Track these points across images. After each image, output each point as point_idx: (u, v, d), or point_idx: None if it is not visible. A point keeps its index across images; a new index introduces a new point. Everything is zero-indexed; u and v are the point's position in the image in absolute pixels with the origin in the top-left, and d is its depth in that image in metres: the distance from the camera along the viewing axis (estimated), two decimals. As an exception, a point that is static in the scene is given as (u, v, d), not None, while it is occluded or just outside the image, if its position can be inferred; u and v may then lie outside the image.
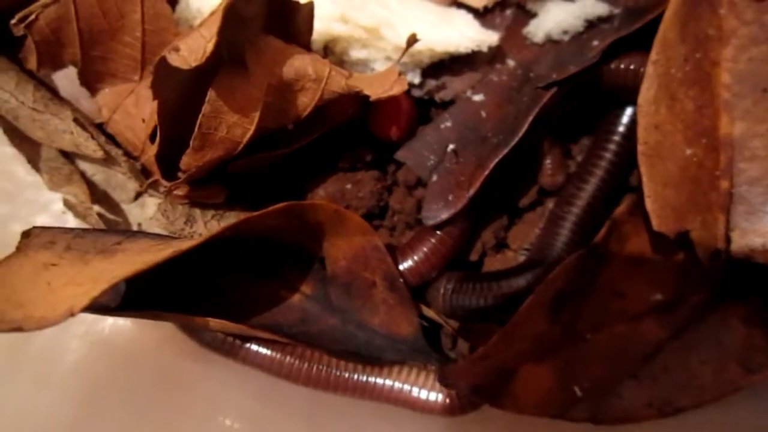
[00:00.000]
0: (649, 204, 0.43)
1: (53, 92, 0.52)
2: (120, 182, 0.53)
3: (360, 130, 0.53)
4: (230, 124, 0.43)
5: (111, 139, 0.53)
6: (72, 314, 0.39)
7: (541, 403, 0.43)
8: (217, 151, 0.44)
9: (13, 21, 0.47)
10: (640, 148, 0.43)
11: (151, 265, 0.40)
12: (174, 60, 0.38)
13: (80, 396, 0.54)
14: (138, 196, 0.53)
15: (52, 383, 0.54)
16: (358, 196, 0.52)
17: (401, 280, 0.47)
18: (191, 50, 0.37)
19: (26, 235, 0.44)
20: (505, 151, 0.46)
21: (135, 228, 0.53)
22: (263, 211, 0.42)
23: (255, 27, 0.42)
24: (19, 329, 0.38)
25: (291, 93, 0.43)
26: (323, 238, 0.47)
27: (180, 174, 0.46)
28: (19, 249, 0.43)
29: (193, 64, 0.38)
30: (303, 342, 0.48)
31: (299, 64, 0.43)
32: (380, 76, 0.47)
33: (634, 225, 0.46)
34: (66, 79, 0.53)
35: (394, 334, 0.49)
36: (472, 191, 0.47)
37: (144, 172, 0.52)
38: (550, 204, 0.53)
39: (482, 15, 0.53)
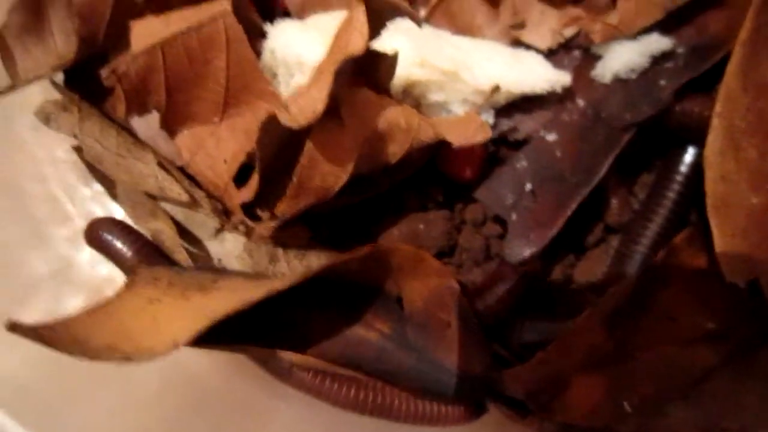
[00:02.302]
0: (720, 255, 0.44)
1: (134, 136, 0.54)
2: (200, 219, 0.55)
3: (429, 170, 0.55)
4: (325, 173, 0.45)
5: (191, 179, 0.54)
6: (176, 347, 0.40)
7: (590, 414, 0.45)
8: (310, 199, 0.46)
9: (104, 73, 0.48)
10: (708, 200, 0.45)
11: (247, 305, 0.42)
12: (284, 120, 0.39)
13: (154, 424, 0.55)
14: (218, 232, 0.54)
15: (125, 411, 0.55)
16: (430, 236, 0.54)
17: (476, 320, 0.49)
18: (302, 110, 0.39)
19: (133, 272, 0.46)
20: (586, 191, 0.48)
21: (216, 262, 0.55)
22: (348, 255, 0.44)
23: (350, 80, 0.43)
24: (129, 360, 0.40)
25: (382, 142, 0.45)
26: (401, 280, 0.49)
27: (270, 218, 0.47)
28: (127, 285, 0.45)
29: (303, 124, 0.39)
30: (380, 378, 0.50)
31: (391, 116, 0.44)
32: (462, 122, 0.49)
33: (692, 254, 0.47)
34: (143, 122, 0.55)
35: (466, 373, 0.50)
36: (554, 230, 0.48)
37: (225, 211, 0.54)
38: (613, 241, 0.55)
39: (550, 56, 0.54)
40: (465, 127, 0.48)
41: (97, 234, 0.52)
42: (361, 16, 0.39)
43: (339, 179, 0.45)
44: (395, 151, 0.45)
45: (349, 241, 0.54)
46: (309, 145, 0.42)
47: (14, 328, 0.39)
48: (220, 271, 0.46)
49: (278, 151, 0.44)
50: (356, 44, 0.39)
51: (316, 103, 0.38)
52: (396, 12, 0.41)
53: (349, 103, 0.43)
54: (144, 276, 0.46)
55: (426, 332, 0.50)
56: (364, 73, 0.48)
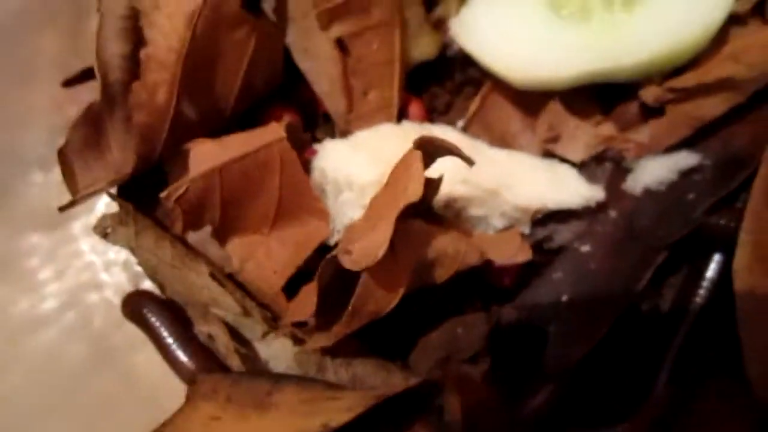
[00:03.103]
0: (749, 369, 0.47)
1: (187, 246, 0.56)
2: (248, 324, 0.57)
3: (468, 275, 0.57)
4: (377, 298, 0.47)
5: (241, 286, 0.57)
6: None
7: None
8: (363, 321, 0.48)
9: (163, 195, 0.51)
10: (738, 314, 0.48)
11: None
12: (346, 263, 0.42)
13: None
14: (266, 335, 0.57)
15: None
16: (468, 339, 0.56)
17: None
18: (364, 254, 0.41)
19: (193, 382, 0.48)
20: (622, 308, 0.51)
21: (264, 364, 0.57)
22: (409, 385, 0.46)
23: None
24: None
25: (431, 268, 0.48)
26: (446, 392, 0.51)
27: (325, 335, 0.50)
28: (188, 399, 0.47)
29: (364, 267, 0.42)
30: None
31: (441, 245, 0.47)
32: (504, 241, 0.51)
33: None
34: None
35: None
36: (591, 344, 0.51)
37: (273, 318, 0.56)
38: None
39: (583, 167, 0.57)
40: (507, 246, 0.50)
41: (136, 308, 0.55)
42: (418, 164, 0.42)
43: (390, 303, 0.47)
44: (442, 274, 0.48)
45: (390, 344, 0.57)
46: (365, 278, 0.45)
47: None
48: (273, 379, 0.49)
49: (334, 280, 0.47)
50: (415, 192, 0.41)
51: (378, 248, 0.41)
52: (447, 151, 0.44)
53: (402, 235, 0.45)
54: (204, 387, 0.49)
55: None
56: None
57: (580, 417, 0.55)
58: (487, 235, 0.52)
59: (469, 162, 0.43)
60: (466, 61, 0.61)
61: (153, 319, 0.53)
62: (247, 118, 0.60)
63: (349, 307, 0.46)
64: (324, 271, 0.44)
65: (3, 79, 0.57)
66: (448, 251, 0.47)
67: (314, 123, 0.62)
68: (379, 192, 0.45)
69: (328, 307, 0.50)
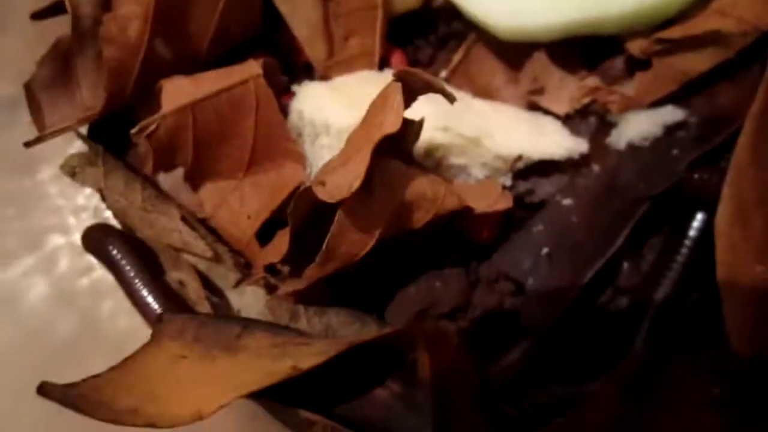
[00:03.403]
0: (727, 323, 0.46)
1: (158, 189, 0.54)
2: (221, 270, 0.56)
3: (446, 229, 0.56)
4: (352, 240, 0.46)
5: (213, 232, 0.55)
6: (200, 418, 0.41)
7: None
8: (337, 264, 0.47)
9: (133, 131, 0.49)
10: (719, 269, 0.47)
11: (272, 382, 0.42)
12: (320, 194, 0.40)
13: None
14: (238, 284, 0.55)
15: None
16: (446, 293, 0.55)
17: (485, 393, 0.50)
18: (338, 186, 0.40)
19: (159, 320, 0.46)
20: (602, 262, 0.50)
21: (236, 313, 0.55)
22: (377, 334, 0.44)
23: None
24: (152, 425, 0.40)
25: (408, 211, 0.46)
26: (419, 349, 0.50)
27: (292, 278, 0.48)
28: (153, 337, 0.45)
29: (338, 198, 0.40)
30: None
31: (419, 187, 0.46)
32: (484, 190, 0.50)
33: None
34: (168, 174, 0.55)
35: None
36: (570, 298, 0.50)
37: (246, 265, 0.54)
38: (622, 303, 0.56)
39: (567, 121, 0.56)
40: (487, 194, 0.49)
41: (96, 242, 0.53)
42: (398, 95, 0.40)
43: (366, 246, 0.46)
44: (420, 218, 0.47)
45: (367, 297, 0.55)
46: (340, 215, 0.43)
47: (44, 390, 0.39)
48: (243, 323, 0.47)
49: (307, 218, 0.45)
50: (392, 123, 0.40)
51: (353, 179, 0.39)
52: (428, 87, 0.42)
53: (379, 174, 0.44)
54: (170, 327, 0.47)
55: (435, 401, 0.51)
56: (389, 139, 0.49)
57: (554, 374, 0.54)
58: (467, 184, 0.51)
59: (451, 99, 0.42)
60: (450, 13, 0.60)
61: (118, 256, 0.51)
62: (223, 65, 0.58)
63: (323, 248, 0.44)
64: (297, 206, 0.42)
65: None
66: (427, 194, 0.45)
67: (294, 72, 0.60)
68: (357, 127, 0.43)
69: (301, 251, 0.48)
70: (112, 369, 0.41)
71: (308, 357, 0.43)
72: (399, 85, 0.41)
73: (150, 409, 0.40)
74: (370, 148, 0.39)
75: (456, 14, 0.59)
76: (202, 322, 0.46)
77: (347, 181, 0.40)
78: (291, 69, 0.60)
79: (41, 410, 0.40)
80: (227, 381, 0.41)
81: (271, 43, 0.60)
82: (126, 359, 0.42)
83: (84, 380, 0.40)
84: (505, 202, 0.48)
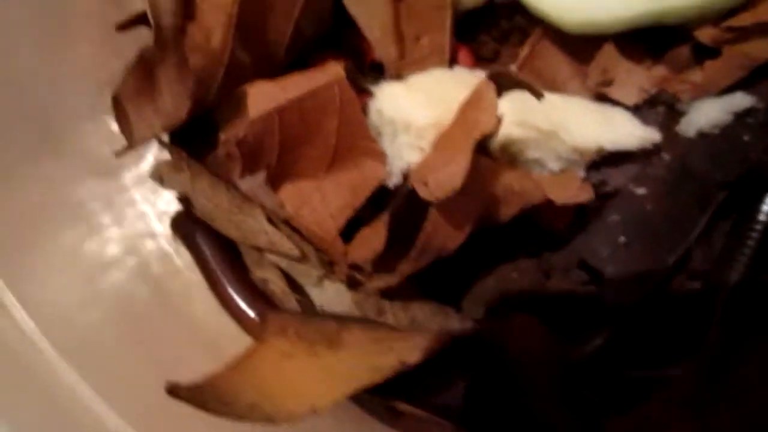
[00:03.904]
0: None
1: (242, 192, 0.56)
2: (302, 269, 0.57)
3: (519, 219, 0.57)
4: (445, 236, 0.47)
5: (297, 232, 0.57)
6: (315, 412, 0.43)
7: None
8: (428, 259, 0.48)
9: (223, 138, 0.50)
10: None
11: (384, 377, 0.44)
12: (423, 193, 0.42)
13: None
14: (320, 280, 0.57)
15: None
16: (523, 283, 0.56)
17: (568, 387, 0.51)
18: (440, 185, 0.41)
19: (263, 319, 0.48)
20: (681, 249, 0.51)
21: (318, 309, 0.57)
22: (472, 329, 0.46)
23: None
24: (270, 421, 0.42)
25: (497, 206, 0.48)
26: (506, 337, 0.51)
27: (386, 276, 0.50)
28: (260, 335, 0.47)
29: (441, 198, 0.42)
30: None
31: (507, 182, 0.47)
32: (564, 181, 0.51)
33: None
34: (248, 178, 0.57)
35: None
36: (651, 286, 0.51)
37: (330, 263, 0.56)
38: (695, 286, 0.58)
39: (635, 111, 0.57)
40: (568, 186, 0.50)
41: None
42: (491, 95, 0.42)
43: (457, 241, 0.47)
44: (507, 212, 0.48)
45: (447, 288, 0.57)
46: (434, 212, 0.44)
47: (173, 391, 0.41)
48: (338, 319, 0.49)
49: (401, 216, 0.47)
50: (488, 122, 0.41)
51: (455, 179, 0.41)
52: (517, 85, 0.44)
53: (471, 171, 0.45)
54: (274, 325, 0.49)
55: (518, 387, 0.53)
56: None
57: (633, 359, 0.55)
58: (547, 176, 0.52)
59: (539, 95, 0.43)
60: (512, 8, 0.61)
61: (207, 253, 0.53)
62: (295, 67, 0.59)
63: (418, 244, 0.46)
64: (396, 205, 0.44)
65: (47, 37, 0.57)
66: (515, 188, 0.47)
67: (361, 72, 0.61)
68: (449, 126, 0.45)
69: (389, 247, 0.50)
70: (229, 368, 0.43)
71: (412, 351, 0.44)
72: (492, 84, 0.42)
73: (267, 406, 0.42)
74: (470, 147, 0.41)
75: (518, 9, 0.60)
76: (302, 319, 0.48)
77: (450, 180, 0.41)
78: (359, 68, 0.61)
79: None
80: (336, 376, 0.43)
81: (336, 43, 0.62)
82: (239, 358, 0.44)
83: (205, 380, 0.42)
84: (586, 194, 0.50)
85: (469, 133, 0.42)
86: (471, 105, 0.44)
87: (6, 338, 0.42)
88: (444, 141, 0.45)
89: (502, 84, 0.43)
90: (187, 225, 0.55)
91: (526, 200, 0.48)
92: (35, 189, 0.49)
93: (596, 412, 0.55)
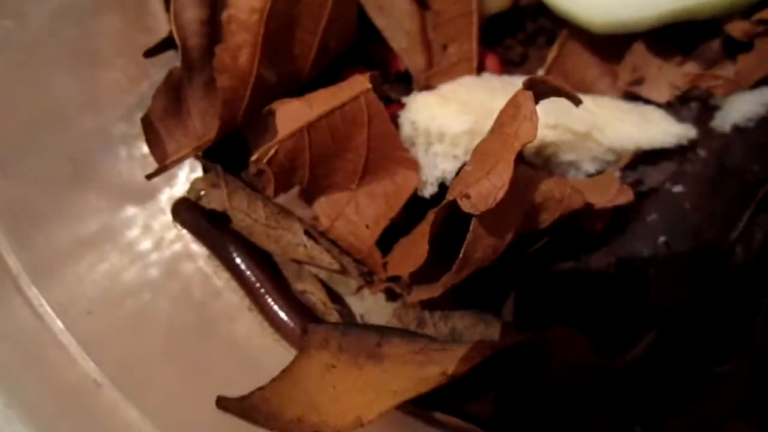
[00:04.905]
0: None
1: (279, 205, 0.56)
2: (341, 279, 0.57)
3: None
4: (486, 246, 0.47)
5: (334, 244, 0.56)
6: (362, 425, 0.43)
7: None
8: (470, 270, 0.48)
9: (253, 158, 0.50)
10: None
11: (428, 389, 0.44)
12: (465, 206, 0.41)
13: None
14: (359, 290, 0.57)
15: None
16: (562, 288, 0.56)
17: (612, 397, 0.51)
18: (482, 198, 0.41)
19: (305, 331, 0.48)
20: (726, 245, 0.50)
21: (358, 318, 0.57)
22: (513, 339, 0.46)
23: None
24: None
25: (537, 213, 0.47)
26: (550, 348, 0.51)
27: (429, 287, 0.49)
28: (303, 349, 0.47)
29: (483, 210, 0.41)
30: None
31: (546, 188, 0.47)
32: (602, 184, 0.51)
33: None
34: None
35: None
36: (693, 285, 0.50)
37: (369, 274, 0.56)
38: (738, 281, 0.57)
39: (668, 108, 0.57)
40: (607, 188, 0.50)
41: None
42: (531, 104, 0.41)
43: (499, 250, 0.47)
44: (547, 218, 0.48)
45: (486, 296, 0.57)
46: (475, 224, 0.44)
47: (221, 404, 0.41)
48: (379, 331, 0.49)
49: (441, 228, 0.46)
50: (529, 133, 0.41)
51: (497, 190, 0.41)
52: (555, 92, 0.43)
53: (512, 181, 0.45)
54: (316, 337, 0.49)
55: (562, 398, 0.53)
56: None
57: (679, 362, 0.55)
58: (583, 180, 0.52)
59: (577, 101, 0.43)
60: (537, 10, 0.60)
61: (246, 266, 0.53)
62: (320, 82, 0.59)
63: (461, 255, 0.45)
64: (438, 218, 0.43)
65: (75, 62, 0.57)
66: (555, 195, 0.46)
67: (387, 83, 0.61)
68: (487, 137, 0.45)
69: (429, 259, 0.49)
70: (274, 381, 0.43)
71: (455, 363, 0.44)
72: (530, 93, 0.42)
73: (313, 418, 0.42)
74: (511, 157, 0.41)
75: (543, 11, 0.60)
76: (343, 331, 0.48)
77: (492, 192, 0.41)
78: (384, 80, 0.61)
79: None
80: (380, 388, 0.43)
81: (361, 55, 0.61)
82: (284, 371, 0.44)
83: (252, 393, 0.42)
84: (625, 197, 0.49)
85: (509, 143, 0.42)
86: (509, 115, 0.43)
87: (63, 373, 0.42)
88: (483, 152, 0.45)
89: (540, 91, 0.43)
90: (188, 211, 0.55)
91: (567, 206, 0.48)
92: (75, 220, 0.49)
93: (646, 417, 0.55)
